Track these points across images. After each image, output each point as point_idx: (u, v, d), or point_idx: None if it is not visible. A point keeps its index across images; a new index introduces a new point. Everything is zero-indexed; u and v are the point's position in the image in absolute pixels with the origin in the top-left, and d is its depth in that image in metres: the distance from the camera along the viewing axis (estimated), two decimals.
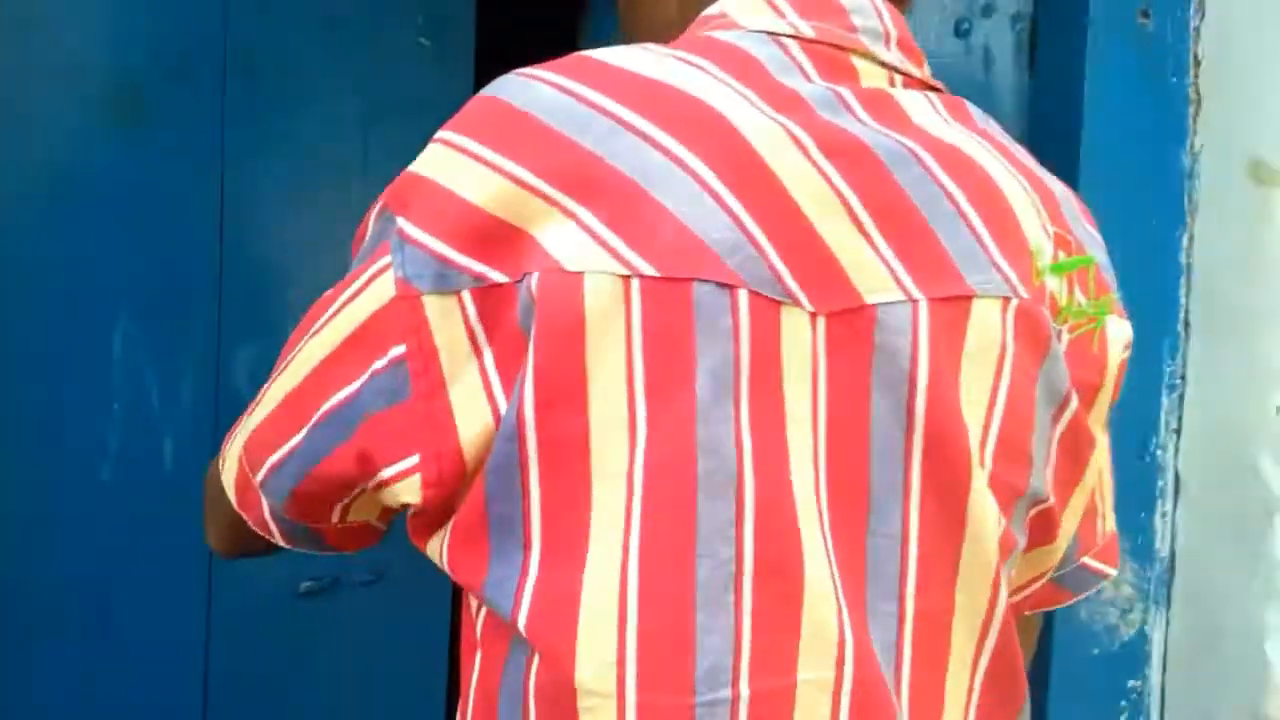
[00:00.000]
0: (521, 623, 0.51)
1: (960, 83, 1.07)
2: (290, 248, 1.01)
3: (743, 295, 0.51)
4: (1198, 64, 1.09)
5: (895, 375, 0.53)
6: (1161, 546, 1.10)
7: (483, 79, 0.65)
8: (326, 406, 0.55)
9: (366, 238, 0.56)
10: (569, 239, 0.50)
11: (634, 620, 0.51)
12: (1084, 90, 1.06)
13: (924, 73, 0.60)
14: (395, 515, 0.61)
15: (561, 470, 0.51)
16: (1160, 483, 1.10)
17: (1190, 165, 1.09)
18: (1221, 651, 1.02)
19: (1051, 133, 1.09)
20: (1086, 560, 0.67)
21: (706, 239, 0.50)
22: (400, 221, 0.52)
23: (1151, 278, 1.07)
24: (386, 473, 0.52)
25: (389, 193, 0.54)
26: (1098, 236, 0.64)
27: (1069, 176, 0.97)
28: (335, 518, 0.60)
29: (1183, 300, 1.09)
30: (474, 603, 0.55)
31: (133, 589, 0.96)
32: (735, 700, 0.51)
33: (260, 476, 0.58)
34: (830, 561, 0.52)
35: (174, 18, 0.95)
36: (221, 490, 0.64)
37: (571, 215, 0.50)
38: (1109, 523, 0.67)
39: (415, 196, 0.52)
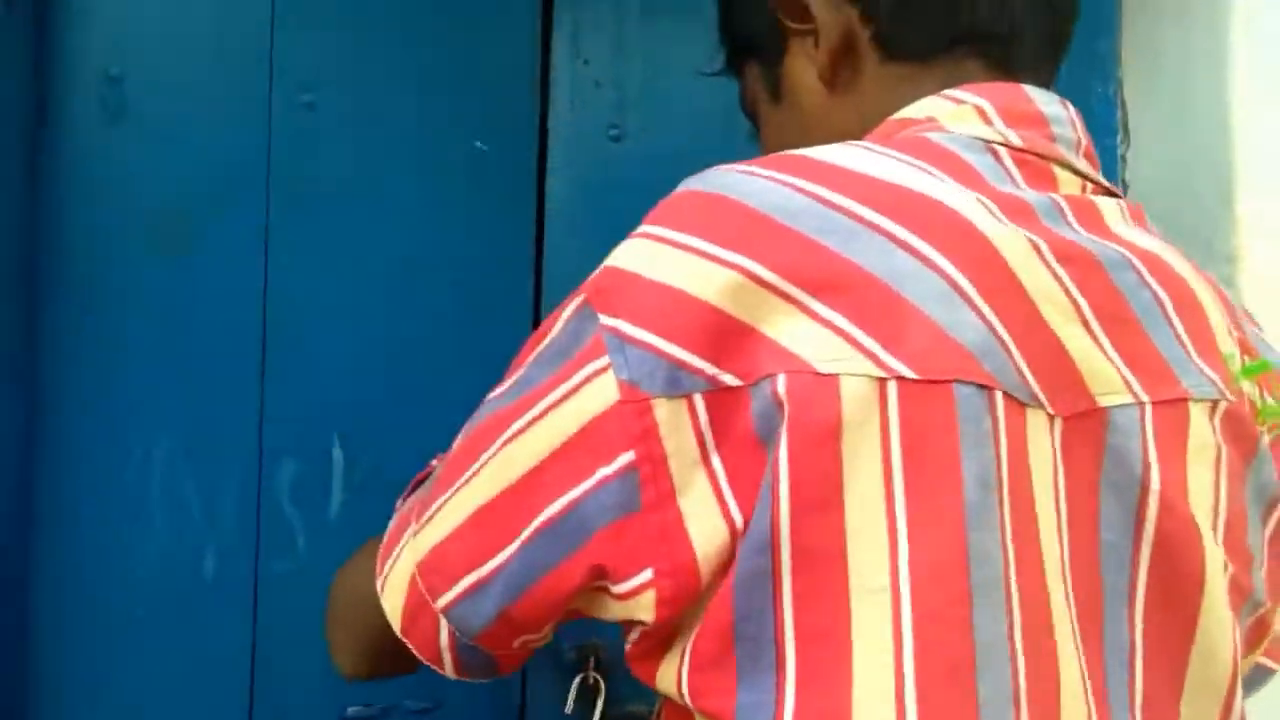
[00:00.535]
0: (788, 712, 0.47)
1: None
2: (330, 369, 1.01)
3: (999, 397, 0.48)
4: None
5: (1125, 478, 0.52)
6: None
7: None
8: (544, 518, 0.51)
9: (557, 335, 0.52)
10: (814, 338, 0.47)
11: (912, 708, 0.47)
12: None
13: (1102, 180, 0.60)
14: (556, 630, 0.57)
15: (818, 584, 0.47)
16: None
17: None
18: None
19: None
20: (1262, 660, 0.65)
21: (962, 341, 0.48)
22: (613, 320, 0.49)
23: None
24: (621, 587, 0.49)
25: (591, 289, 0.50)
26: (1267, 341, 0.63)
27: None
28: (518, 643, 0.56)
29: None
30: None
31: (172, 703, 0.97)
32: None
33: (446, 601, 0.54)
34: (1083, 670, 0.50)
35: (219, 148, 0.98)
36: (367, 610, 0.60)
37: (813, 314, 0.48)
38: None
39: (627, 294, 0.49)
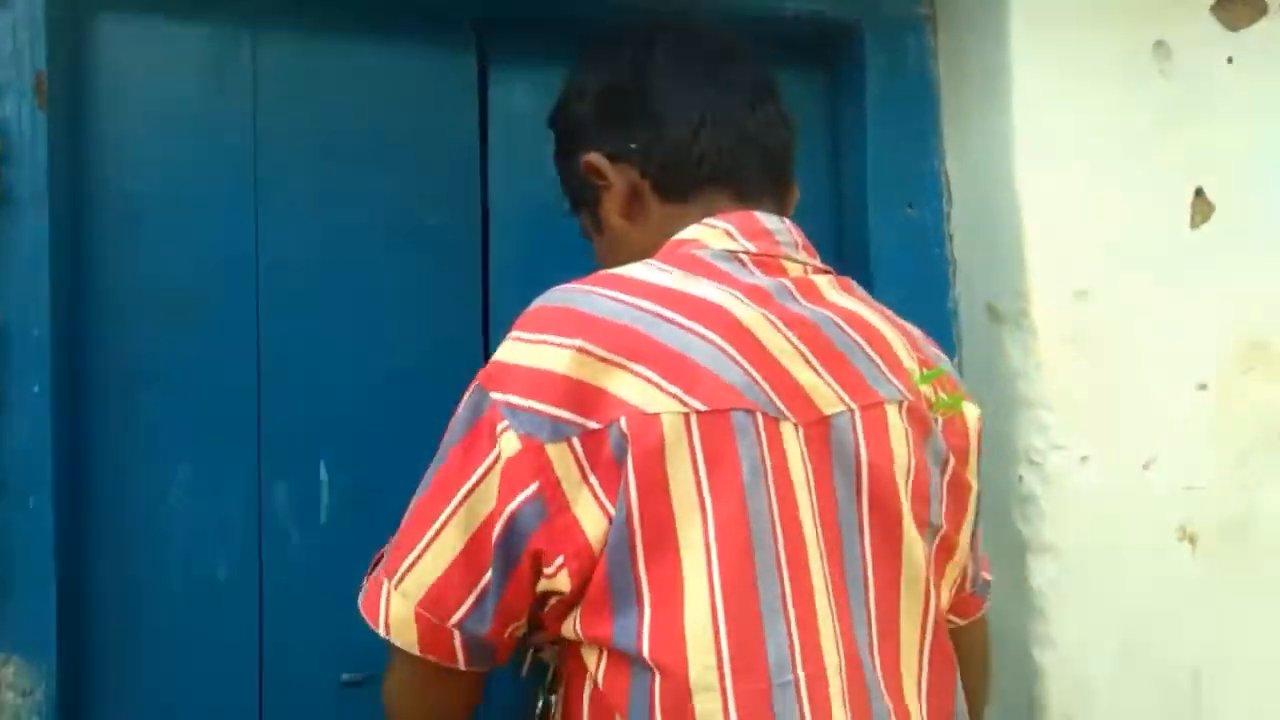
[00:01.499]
0: (646, 652, 0.68)
1: None
2: (315, 408, 1.16)
3: (759, 416, 0.72)
4: (951, 238, 1.36)
5: (846, 459, 0.75)
6: None
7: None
8: (496, 537, 0.70)
9: (463, 411, 0.73)
10: (639, 390, 0.69)
11: (724, 636, 0.69)
12: (870, 261, 1.29)
13: (818, 262, 0.86)
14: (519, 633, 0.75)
15: (658, 545, 0.69)
16: None
17: (953, 308, 1.34)
18: (1005, 654, 1.22)
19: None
20: (983, 575, 0.92)
21: (732, 384, 0.71)
22: (502, 395, 0.70)
23: None
24: (548, 569, 0.71)
25: (483, 378, 0.72)
26: (943, 356, 0.90)
27: None
28: (510, 631, 0.74)
29: None
30: (592, 655, 0.72)
31: (194, 679, 1.12)
32: (796, 682, 0.69)
33: (457, 618, 0.72)
34: (828, 584, 0.72)
35: (215, 241, 1.14)
36: (409, 684, 0.76)
37: (635, 373, 0.70)
38: (980, 552, 0.93)
39: (509, 376, 0.70)
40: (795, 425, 0.74)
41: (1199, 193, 1.35)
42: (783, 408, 0.74)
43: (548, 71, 1.25)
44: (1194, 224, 1.35)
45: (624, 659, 0.70)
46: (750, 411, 0.72)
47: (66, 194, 1.09)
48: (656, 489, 0.69)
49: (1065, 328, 1.28)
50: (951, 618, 0.91)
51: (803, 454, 0.74)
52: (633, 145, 0.87)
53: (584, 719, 0.74)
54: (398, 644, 0.74)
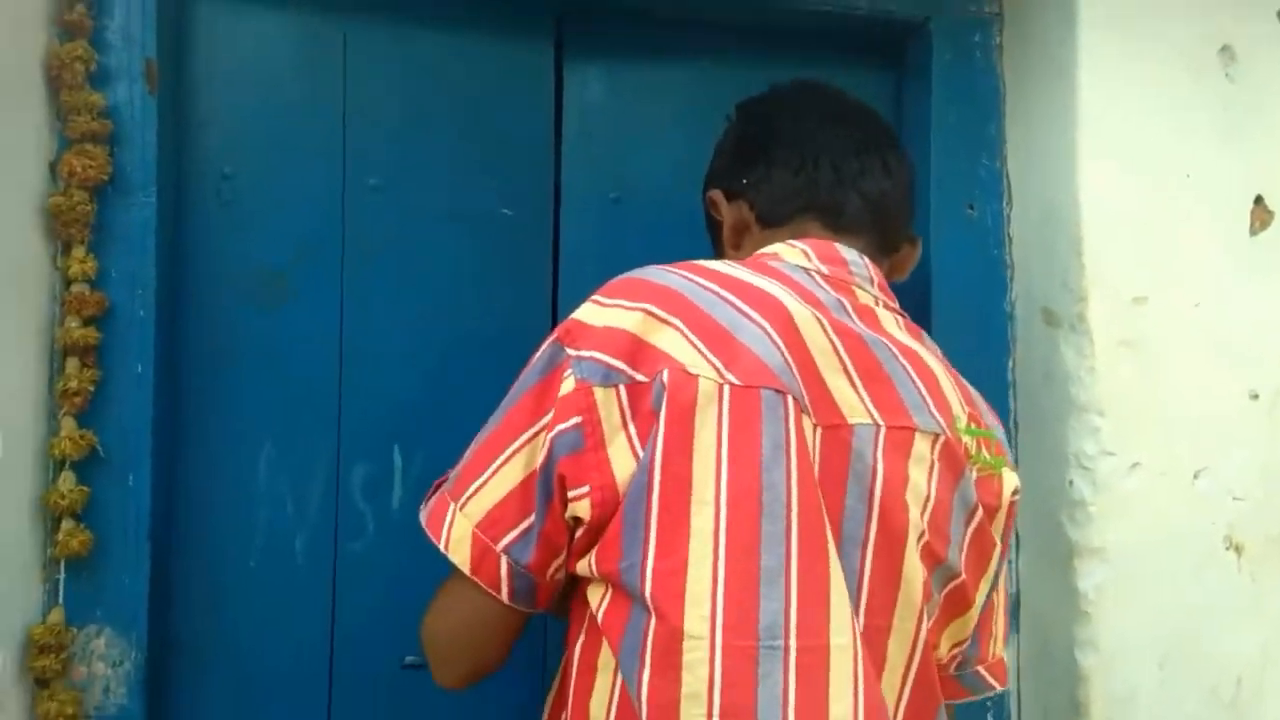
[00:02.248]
0: (647, 592, 0.73)
1: None
2: (392, 392, 1.19)
3: (790, 399, 0.76)
4: (1010, 240, 1.36)
5: (862, 469, 0.78)
6: (1011, 586, 1.31)
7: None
8: (538, 471, 0.77)
9: (539, 361, 0.80)
10: (686, 351, 0.76)
11: (721, 592, 0.73)
12: (930, 261, 1.30)
13: (894, 304, 0.92)
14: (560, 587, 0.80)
15: (673, 495, 0.74)
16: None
17: (1010, 310, 1.35)
18: (1049, 657, 1.27)
19: (913, 291, 1.26)
20: (980, 670, 0.92)
21: (769, 365, 0.77)
22: (575, 350, 0.77)
23: (990, 390, 1.22)
24: (573, 493, 0.76)
25: (561, 333, 0.79)
26: (998, 425, 0.93)
27: (925, 323, 1.27)
28: (551, 568, 0.79)
29: (1011, 405, 1.34)
30: (598, 592, 0.77)
31: (269, 654, 1.17)
32: (786, 649, 0.72)
33: (507, 541, 0.78)
34: (830, 572, 0.75)
35: (304, 225, 1.18)
36: (452, 616, 0.81)
37: (686, 337, 0.76)
38: (999, 647, 0.94)
39: (582, 335, 0.78)
40: (815, 425, 0.78)
41: (1259, 200, 1.36)
42: (807, 403, 0.78)
43: (621, 64, 1.29)
44: (1253, 231, 1.36)
45: (626, 598, 0.75)
46: (781, 393, 0.76)
47: (172, 177, 1.12)
48: (682, 444, 0.74)
49: (1121, 333, 1.29)
50: None
51: (815, 452, 0.78)
52: (744, 181, 0.97)
53: (575, 652, 0.78)
54: (454, 560, 0.79)
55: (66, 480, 1.03)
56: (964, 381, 0.93)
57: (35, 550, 1.04)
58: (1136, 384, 1.29)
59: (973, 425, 0.87)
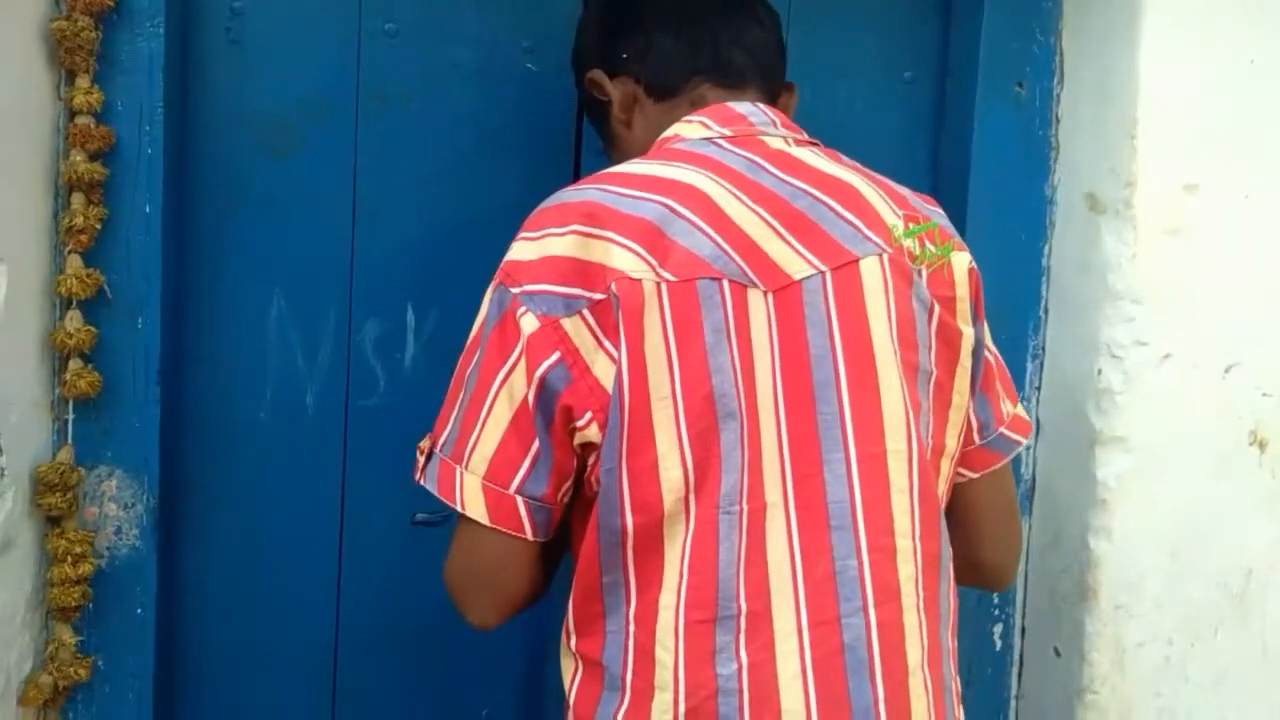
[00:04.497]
0: (625, 491, 0.78)
1: (885, 134, 1.31)
2: (408, 246, 1.17)
3: (725, 284, 0.80)
4: (1058, 121, 1.32)
5: (817, 316, 0.83)
6: (1026, 471, 1.32)
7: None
8: (533, 401, 0.79)
9: (488, 308, 0.82)
10: (625, 259, 0.79)
11: (690, 463, 0.79)
12: (973, 139, 1.27)
13: (804, 135, 0.93)
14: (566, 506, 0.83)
15: (636, 398, 0.79)
16: None
17: (1050, 195, 1.32)
18: (1063, 543, 1.29)
19: (951, 170, 1.30)
20: (1003, 430, 0.96)
21: (700, 255, 0.81)
22: (519, 288, 0.80)
23: (1022, 275, 1.31)
24: (579, 423, 0.80)
25: (501, 276, 0.82)
26: (939, 211, 0.95)
27: (961, 203, 1.27)
28: (562, 492, 0.82)
29: (1043, 293, 1.33)
30: (591, 503, 0.81)
31: (280, 504, 1.17)
32: (740, 513, 0.79)
33: (517, 482, 0.81)
34: (781, 432, 0.81)
35: (317, 69, 1.14)
36: (485, 573, 0.83)
37: (621, 245, 0.79)
38: (1009, 407, 0.97)
39: (522, 271, 0.80)
40: (764, 292, 0.82)
41: None
42: (753, 276, 0.82)
43: None
44: None
45: (611, 500, 0.80)
46: (716, 279, 0.80)
47: (179, 8, 1.07)
48: (636, 348, 0.78)
49: (1167, 221, 1.26)
50: (961, 470, 0.95)
51: (769, 318, 0.82)
52: (624, 56, 0.97)
53: (581, 550, 0.83)
54: (473, 516, 0.81)
55: (73, 319, 1.02)
56: (892, 185, 0.93)
57: (43, 389, 1.03)
58: (1177, 274, 1.27)
59: (910, 225, 0.89)
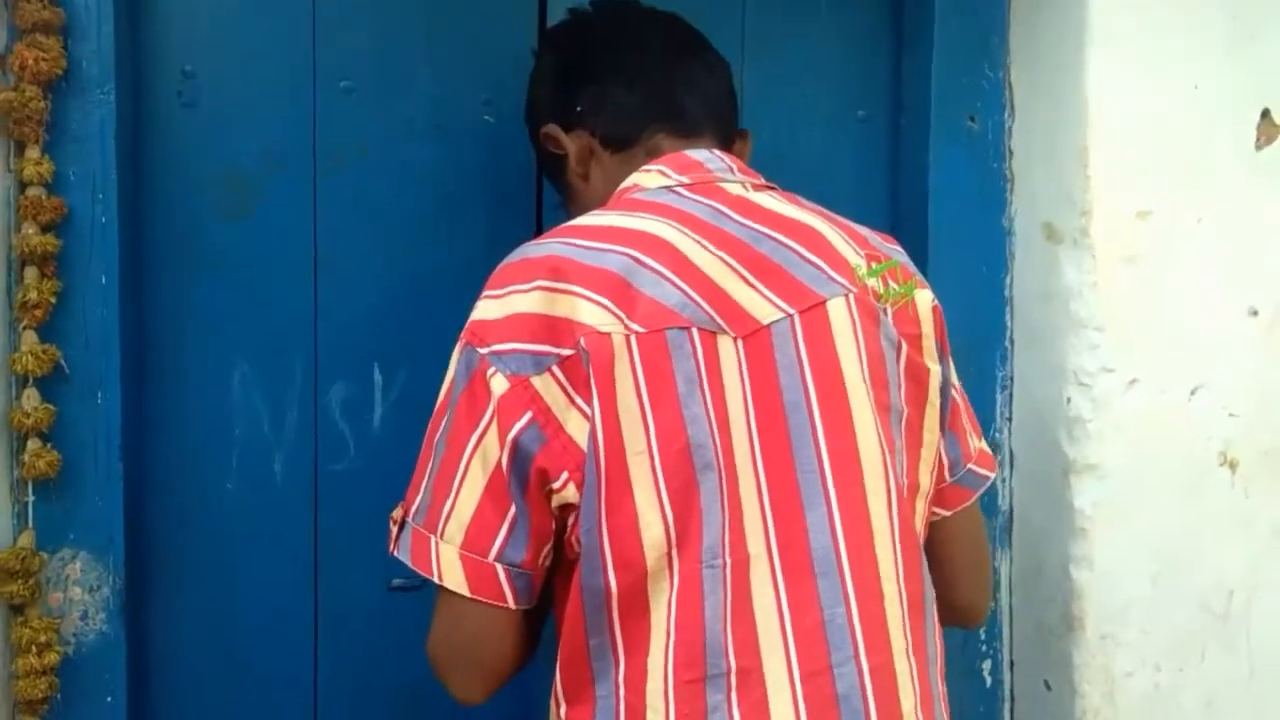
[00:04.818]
0: (606, 546, 0.77)
1: (842, 172, 1.32)
2: (372, 305, 1.16)
3: (694, 332, 0.80)
4: (1011, 153, 1.33)
5: (788, 361, 0.82)
6: (1003, 503, 1.33)
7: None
8: (506, 471, 0.78)
9: (456, 370, 0.81)
10: (593, 313, 0.78)
11: (670, 518, 0.78)
12: (929, 174, 1.28)
13: (761, 180, 0.93)
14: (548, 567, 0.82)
15: (611, 455, 0.77)
16: (999, 456, 1.32)
17: (1008, 226, 1.33)
18: (1045, 575, 1.28)
19: (910, 206, 1.32)
20: (971, 467, 0.96)
21: (668, 305, 0.80)
22: (486, 348, 0.78)
23: (986, 307, 1.32)
24: (555, 484, 0.78)
25: (468, 336, 0.81)
26: (898, 249, 0.95)
27: (921, 238, 1.28)
28: (542, 556, 0.81)
29: (1008, 323, 1.34)
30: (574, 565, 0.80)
31: (252, 576, 1.14)
32: (723, 565, 0.78)
33: (496, 550, 0.79)
34: (760, 480, 0.80)
35: (273, 128, 1.13)
36: (457, 636, 0.81)
37: (588, 299, 0.79)
38: (975, 443, 0.97)
39: (488, 331, 0.79)
40: (734, 338, 0.82)
41: (1265, 114, 1.34)
42: (721, 323, 0.81)
43: None
44: (1259, 146, 1.34)
45: (593, 560, 0.78)
46: (685, 328, 0.80)
47: (130, 74, 1.06)
48: (609, 404, 0.77)
49: (1124, 248, 1.27)
50: (935, 509, 0.95)
51: (740, 365, 0.81)
52: (579, 109, 0.97)
53: (565, 613, 0.81)
54: (451, 587, 0.79)
55: (30, 397, 0.98)
56: (852, 225, 0.94)
57: (2, 472, 0.99)
58: (1137, 300, 1.28)
59: (873, 264, 0.89)
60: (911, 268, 0.94)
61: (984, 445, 1.00)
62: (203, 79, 1.11)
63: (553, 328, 0.78)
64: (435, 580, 0.80)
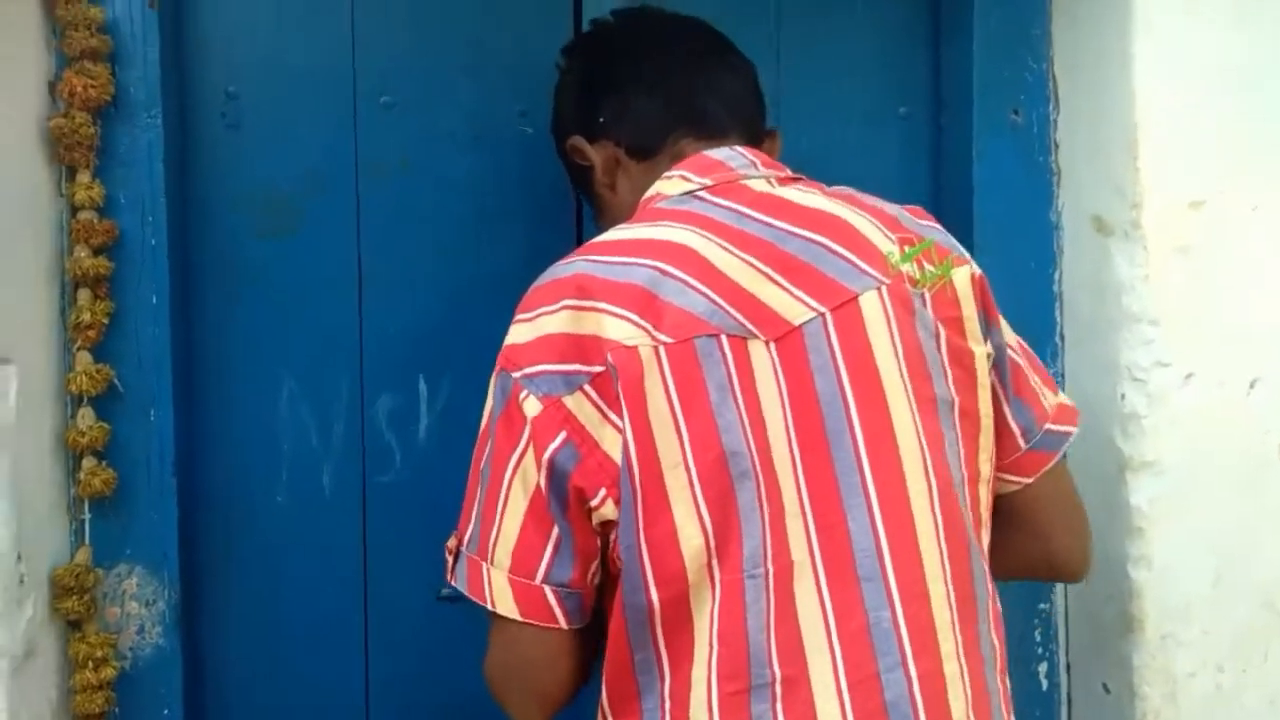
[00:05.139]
0: (646, 559, 0.76)
1: (884, 170, 1.30)
2: (416, 316, 1.17)
3: (724, 339, 0.79)
4: (1056, 146, 1.31)
5: (822, 361, 0.81)
6: None
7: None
8: (546, 492, 0.78)
9: (494, 396, 0.81)
10: (618, 328, 0.78)
11: (710, 528, 0.77)
12: (973, 170, 1.27)
13: (788, 173, 0.91)
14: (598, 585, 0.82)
15: (646, 469, 0.77)
16: None
17: (1056, 220, 1.31)
18: (1102, 574, 1.24)
19: (954, 203, 1.29)
20: (1049, 426, 0.93)
21: (695, 313, 0.79)
22: (519, 371, 0.79)
23: (1035, 302, 1.30)
24: (594, 501, 0.78)
25: (502, 361, 0.81)
26: (936, 226, 0.92)
27: (967, 234, 1.25)
28: (590, 574, 0.81)
29: (1057, 319, 1.32)
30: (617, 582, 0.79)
31: (302, 588, 1.15)
32: (765, 574, 0.77)
33: (543, 572, 0.79)
34: (800, 486, 0.79)
35: (315, 146, 1.14)
36: (524, 676, 0.82)
37: (612, 314, 0.78)
38: (1050, 399, 0.94)
39: (521, 355, 0.80)
40: (766, 342, 0.80)
41: None
42: (751, 327, 0.80)
43: None
44: None
45: (634, 578, 0.78)
46: (714, 335, 0.79)
47: (175, 98, 1.08)
48: (641, 417, 0.77)
49: (1177, 239, 1.24)
50: (1012, 479, 0.93)
51: (774, 367, 0.80)
52: (601, 120, 0.96)
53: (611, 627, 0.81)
54: (504, 613, 0.80)
55: (85, 417, 1.00)
56: (882, 207, 0.91)
57: (59, 490, 1.02)
58: (1191, 292, 1.25)
59: (906, 249, 0.87)
60: (949, 243, 0.91)
61: (1062, 399, 0.97)
62: (246, 100, 1.13)
63: (581, 346, 0.78)
64: (489, 607, 0.81)
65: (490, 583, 0.80)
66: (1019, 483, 0.94)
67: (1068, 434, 0.96)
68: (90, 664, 0.99)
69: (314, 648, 1.16)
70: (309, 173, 1.15)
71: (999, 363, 0.90)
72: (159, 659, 1.05)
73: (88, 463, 1.01)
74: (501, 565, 0.79)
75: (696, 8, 1.06)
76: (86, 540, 1.03)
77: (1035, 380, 0.95)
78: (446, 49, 1.19)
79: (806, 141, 1.30)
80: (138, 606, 1.04)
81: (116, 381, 1.02)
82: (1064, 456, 0.96)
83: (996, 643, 0.86)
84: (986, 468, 0.88)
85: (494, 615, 0.82)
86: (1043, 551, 0.95)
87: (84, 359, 1.00)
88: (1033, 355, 0.97)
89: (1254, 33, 1.27)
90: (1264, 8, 1.27)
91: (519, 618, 0.79)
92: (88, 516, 1.02)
